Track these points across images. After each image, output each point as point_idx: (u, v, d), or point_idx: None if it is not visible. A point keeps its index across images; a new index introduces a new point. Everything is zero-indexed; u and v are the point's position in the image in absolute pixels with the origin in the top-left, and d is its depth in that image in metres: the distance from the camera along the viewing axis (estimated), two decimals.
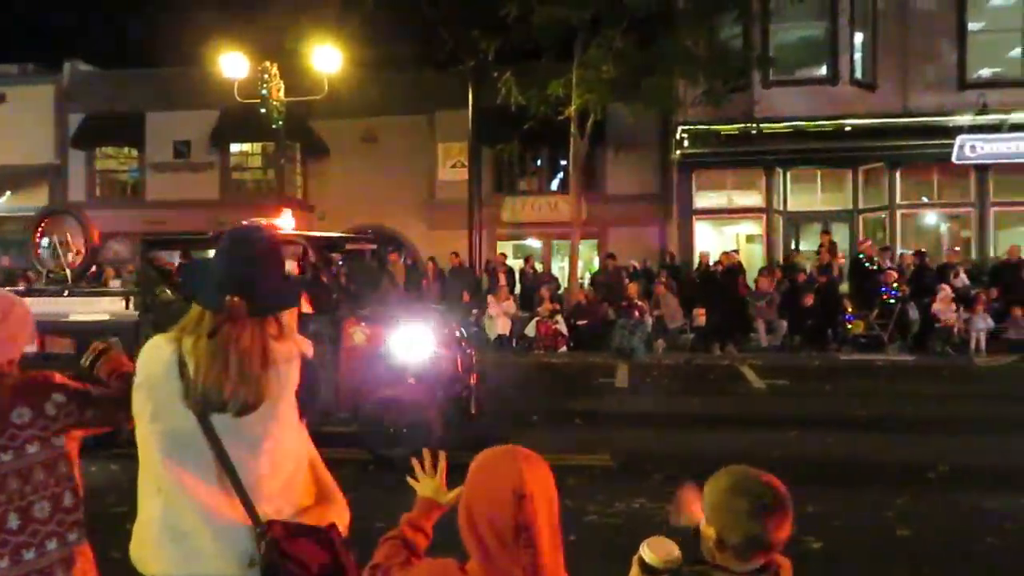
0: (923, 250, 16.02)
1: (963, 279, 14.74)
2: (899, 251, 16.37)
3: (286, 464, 1.92)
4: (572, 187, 16.84)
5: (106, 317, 7.67)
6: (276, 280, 1.98)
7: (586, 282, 17.42)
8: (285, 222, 8.73)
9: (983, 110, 16.20)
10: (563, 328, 14.69)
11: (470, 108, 16.66)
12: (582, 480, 6.27)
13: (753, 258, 17.95)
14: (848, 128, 16.74)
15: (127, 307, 7.72)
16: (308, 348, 2.03)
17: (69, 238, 9.12)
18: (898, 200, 17.36)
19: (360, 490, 5.96)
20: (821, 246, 16.23)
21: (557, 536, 1.62)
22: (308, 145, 21.44)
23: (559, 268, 19.48)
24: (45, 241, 9.46)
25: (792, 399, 10.32)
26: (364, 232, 19.53)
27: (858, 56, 17.34)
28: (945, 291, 13.84)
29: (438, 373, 7.13)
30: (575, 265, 16.94)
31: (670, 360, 13.58)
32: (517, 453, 1.65)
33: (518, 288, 16.85)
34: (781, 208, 17.84)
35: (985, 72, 17.32)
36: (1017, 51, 17.10)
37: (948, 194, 17.68)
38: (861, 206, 17.77)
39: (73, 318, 7.71)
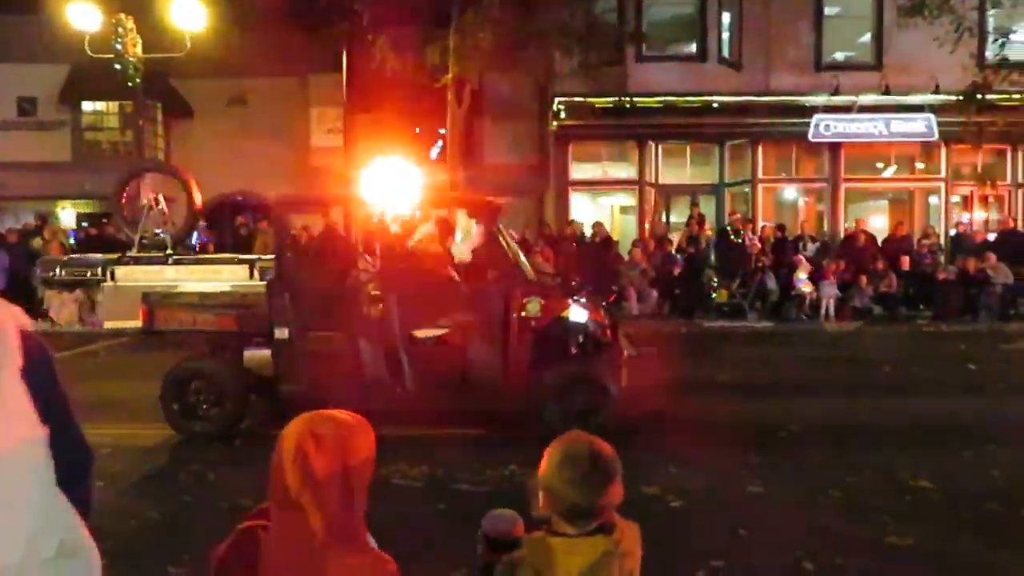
0: (782, 223, 16.99)
1: (814, 249, 15.69)
2: (760, 223, 17.25)
3: None
4: (449, 156, 16.72)
5: (227, 287, 6.89)
6: None
7: None
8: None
9: (836, 92, 17.19)
10: None
11: (344, 72, 16.18)
12: (454, 450, 6.30)
13: (627, 229, 18.46)
14: (715, 105, 17.37)
15: (251, 276, 6.94)
16: (20, 319, 1.59)
17: (164, 198, 7.98)
18: (760, 175, 18.25)
19: (226, 467, 5.78)
20: (691, 218, 16.88)
21: (350, 500, 1.55)
22: (170, 105, 20.25)
23: None
24: (140, 202, 8.27)
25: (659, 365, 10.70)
26: (234, 198, 18.77)
27: (725, 36, 17.99)
28: (802, 262, 14.73)
29: (607, 345, 6.91)
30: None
31: None
32: (312, 417, 1.59)
33: None
34: (653, 180, 18.38)
35: (839, 56, 18.37)
36: (867, 37, 18.21)
37: (804, 170, 18.75)
38: (727, 180, 18.56)
39: (184, 288, 6.94)
